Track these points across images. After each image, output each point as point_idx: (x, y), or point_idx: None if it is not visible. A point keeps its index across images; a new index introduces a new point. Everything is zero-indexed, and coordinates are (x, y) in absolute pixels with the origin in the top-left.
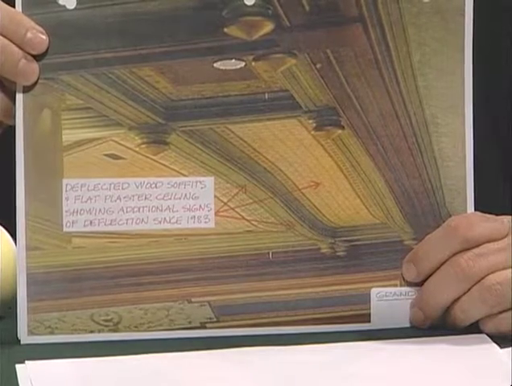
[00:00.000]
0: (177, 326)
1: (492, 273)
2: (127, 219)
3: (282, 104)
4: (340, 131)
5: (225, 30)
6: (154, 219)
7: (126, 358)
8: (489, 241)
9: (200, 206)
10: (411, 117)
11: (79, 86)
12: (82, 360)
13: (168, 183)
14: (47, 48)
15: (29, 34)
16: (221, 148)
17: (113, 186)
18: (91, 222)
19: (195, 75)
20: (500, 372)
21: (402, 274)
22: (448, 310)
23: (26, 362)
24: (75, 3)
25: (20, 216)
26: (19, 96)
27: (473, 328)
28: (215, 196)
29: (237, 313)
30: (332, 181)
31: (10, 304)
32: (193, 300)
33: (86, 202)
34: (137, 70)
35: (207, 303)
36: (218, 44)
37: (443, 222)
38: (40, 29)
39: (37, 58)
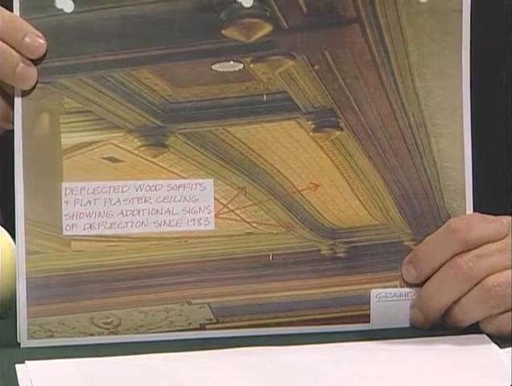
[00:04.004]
0: (177, 328)
1: (492, 274)
2: (127, 223)
3: (280, 106)
4: (338, 132)
5: (223, 32)
6: (153, 222)
7: (127, 358)
8: (488, 242)
9: (200, 208)
10: (410, 118)
11: (77, 89)
12: (82, 360)
13: (168, 186)
14: (46, 52)
15: (27, 39)
16: (220, 150)
17: (112, 189)
18: (91, 225)
19: (193, 78)
20: (500, 372)
21: (401, 275)
22: (448, 310)
23: (26, 362)
24: (72, 7)
25: (20, 220)
26: (18, 101)
27: (473, 328)
28: (214, 198)
29: (237, 314)
30: (332, 182)
31: (10, 304)
32: (193, 302)
33: (85, 205)
34: (135, 73)
35: (207, 305)
36: (216, 46)
37: (443, 223)
38: (38, 33)
39: (35, 62)
